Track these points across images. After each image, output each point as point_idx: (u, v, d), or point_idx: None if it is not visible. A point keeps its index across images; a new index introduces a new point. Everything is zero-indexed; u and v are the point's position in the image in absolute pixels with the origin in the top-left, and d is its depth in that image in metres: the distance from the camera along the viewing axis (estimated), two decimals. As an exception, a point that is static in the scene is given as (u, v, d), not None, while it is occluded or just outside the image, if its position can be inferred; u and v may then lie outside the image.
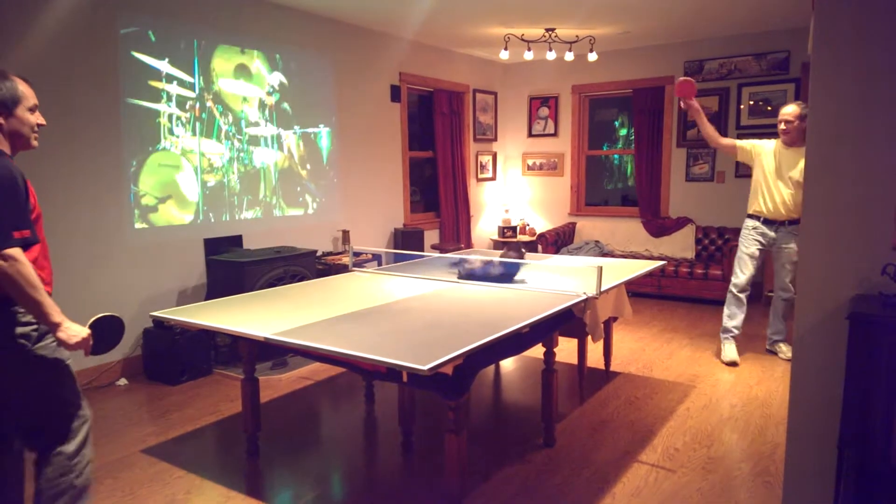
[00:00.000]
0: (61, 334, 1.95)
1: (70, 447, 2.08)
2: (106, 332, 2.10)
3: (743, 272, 4.48)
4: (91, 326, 2.05)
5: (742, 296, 4.52)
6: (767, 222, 4.40)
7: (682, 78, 4.39)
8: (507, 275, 3.41)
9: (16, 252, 1.85)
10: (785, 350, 4.48)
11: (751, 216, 4.49)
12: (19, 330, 1.97)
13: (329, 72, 5.60)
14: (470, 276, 3.47)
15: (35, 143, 2.07)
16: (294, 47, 5.26)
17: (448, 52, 7.05)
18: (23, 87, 2.01)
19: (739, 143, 4.58)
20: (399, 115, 6.46)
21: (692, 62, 6.67)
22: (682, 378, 4.13)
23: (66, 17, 3.81)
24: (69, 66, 3.84)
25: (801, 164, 4.18)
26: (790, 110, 4.23)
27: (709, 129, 4.54)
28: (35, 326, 1.99)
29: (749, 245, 4.47)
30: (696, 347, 4.79)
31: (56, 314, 1.94)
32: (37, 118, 2.06)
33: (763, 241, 4.43)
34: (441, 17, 5.54)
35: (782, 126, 4.26)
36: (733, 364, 4.42)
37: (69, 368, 2.10)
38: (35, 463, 2.08)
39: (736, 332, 4.55)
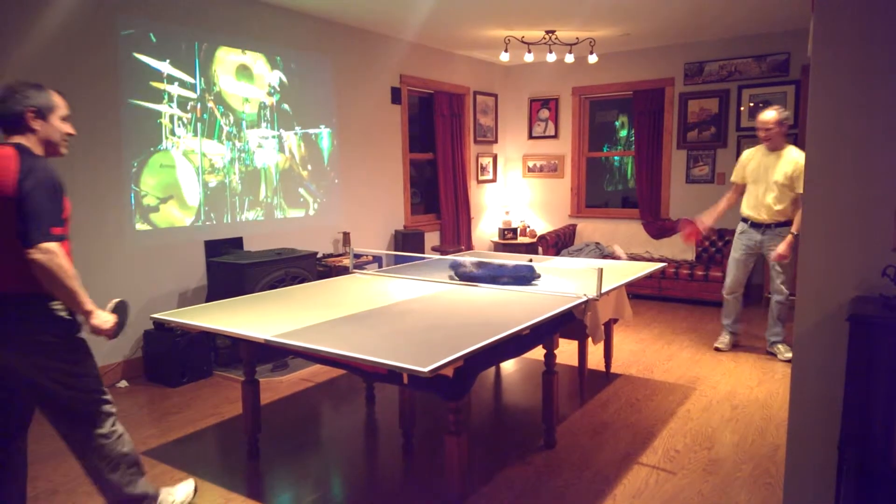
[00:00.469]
0: (95, 321, 2.11)
1: (103, 429, 2.22)
2: (120, 316, 2.26)
3: (728, 274, 4.65)
4: (112, 312, 2.22)
5: (730, 297, 4.68)
6: (754, 225, 4.47)
7: (684, 232, 4.62)
8: (518, 278, 3.40)
9: (53, 246, 1.99)
10: (783, 350, 4.48)
11: (741, 220, 4.60)
12: (55, 322, 2.09)
13: (329, 73, 5.61)
14: (470, 277, 3.47)
15: (64, 150, 2.23)
16: (294, 49, 5.27)
17: (448, 54, 7.06)
18: (56, 98, 2.17)
19: (733, 179, 4.69)
20: (399, 116, 6.46)
21: (692, 64, 6.68)
22: (682, 380, 4.13)
23: (66, 17, 3.82)
24: (69, 66, 3.85)
25: (781, 166, 4.25)
26: (769, 117, 4.28)
27: (728, 205, 4.69)
28: (70, 318, 2.12)
29: (736, 248, 4.61)
30: (697, 349, 4.79)
31: (88, 303, 2.08)
32: (67, 128, 2.21)
33: (750, 245, 4.51)
34: (441, 19, 5.54)
35: (762, 133, 4.34)
36: (717, 350, 4.69)
37: (93, 358, 2.24)
38: (76, 456, 2.22)
39: (731, 329, 4.73)
